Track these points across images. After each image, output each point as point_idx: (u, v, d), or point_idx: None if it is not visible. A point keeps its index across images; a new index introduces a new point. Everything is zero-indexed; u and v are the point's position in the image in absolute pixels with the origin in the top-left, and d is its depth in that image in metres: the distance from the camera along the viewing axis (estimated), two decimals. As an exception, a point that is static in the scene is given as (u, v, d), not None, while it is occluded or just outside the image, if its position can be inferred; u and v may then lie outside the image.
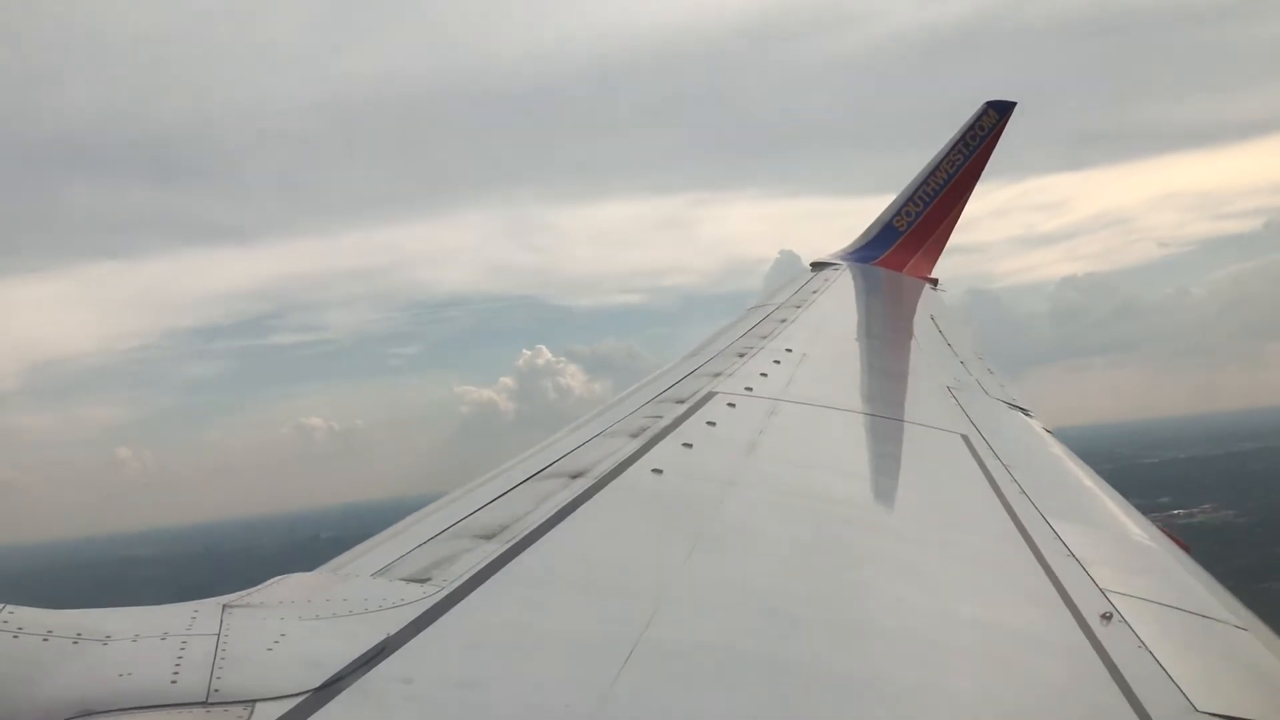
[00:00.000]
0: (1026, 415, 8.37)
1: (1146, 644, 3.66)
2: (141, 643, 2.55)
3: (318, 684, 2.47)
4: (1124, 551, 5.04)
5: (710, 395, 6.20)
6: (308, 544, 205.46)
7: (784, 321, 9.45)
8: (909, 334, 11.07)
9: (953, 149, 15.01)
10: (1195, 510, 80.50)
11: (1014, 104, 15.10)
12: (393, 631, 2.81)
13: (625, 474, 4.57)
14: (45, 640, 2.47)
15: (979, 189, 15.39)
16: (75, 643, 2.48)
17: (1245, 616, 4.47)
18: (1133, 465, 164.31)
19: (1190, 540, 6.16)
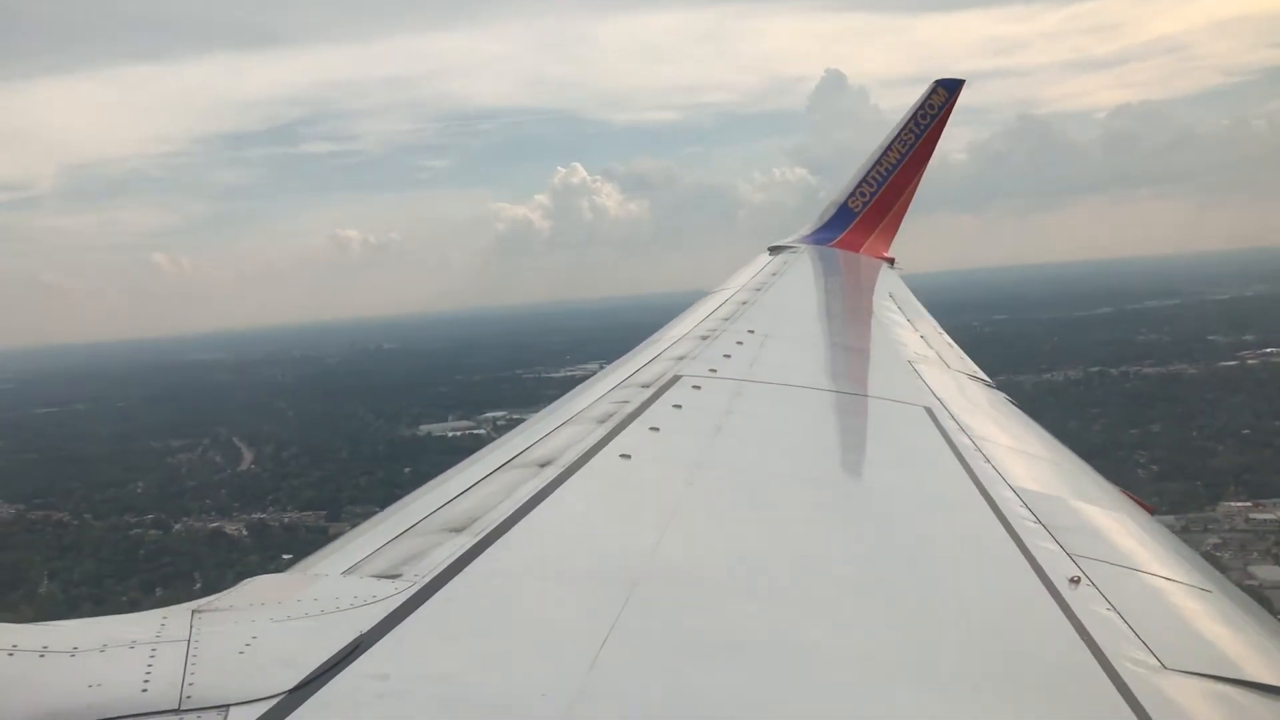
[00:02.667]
0: (989, 386, 8.53)
1: (1115, 605, 3.75)
2: (109, 653, 2.53)
3: (292, 685, 2.47)
4: (1089, 517, 5.09)
5: (676, 379, 6.24)
6: (373, 355, 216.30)
7: (745, 304, 9.58)
8: (869, 312, 11.24)
9: (903, 129, 15.15)
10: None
11: (963, 81, 15.34)
12: (365, 629, 2.81)
13: (594, 460, 4.58)
14: (10, 655, 2.46)
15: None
16: (41, 656, 2.47)
17: (1210, 576, 4.57)
18: (1203, 302, 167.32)
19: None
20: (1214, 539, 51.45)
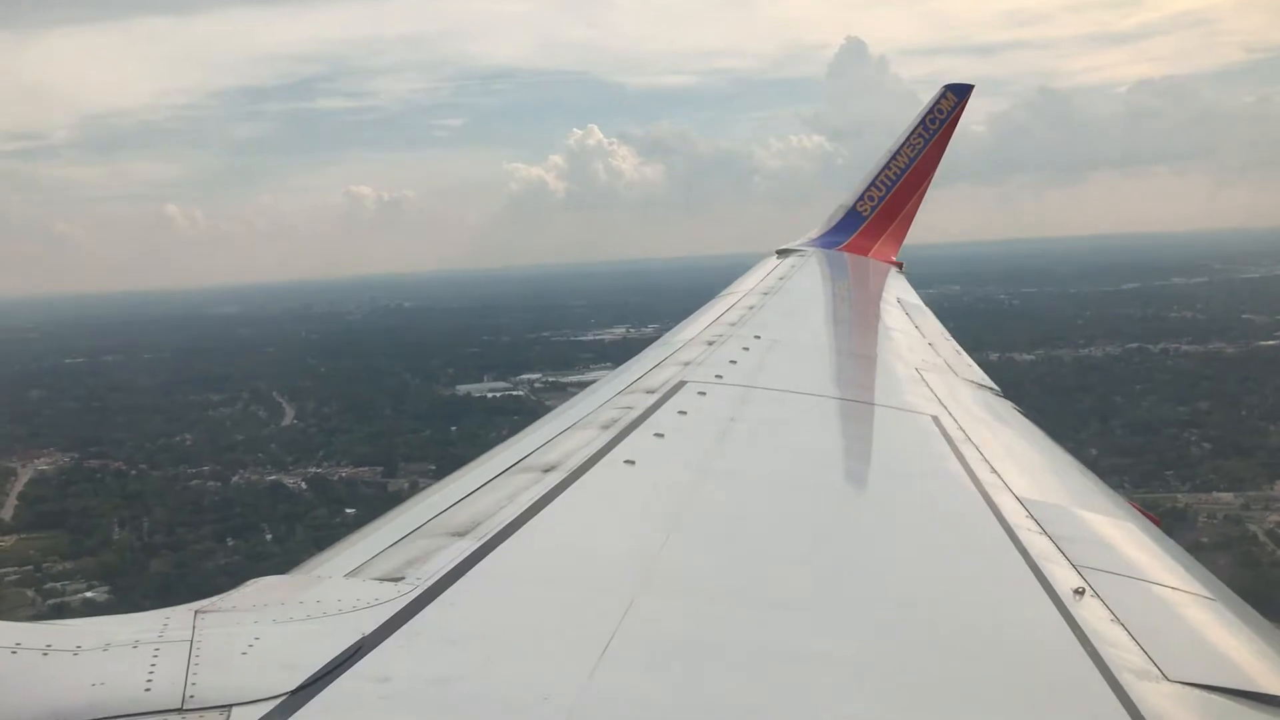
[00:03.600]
0: (996, 394, 8.47)
1: (1119, 617, 3.73)
2: (113, 652, 2.56)
3: (294, 686, 2.49)
4: (1095, 527, 5.06)
5: (681, 384, 6.21)
6: (395, 313, 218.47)
7: (752, 308, 9.53)
8: (876, 317, 11.18)
9: (913, 133, 15.24)
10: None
11: (971, 87, 15.45)
12: (368, 631, 2.84)
13: (597, 466, 4.57)
14: (14, 653, 2.48)
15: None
16: (45, 654, 2.50)
17: (1215, 587, 4.53)
18: (1232, 280, 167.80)
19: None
20: (1276, 517, 52.13)
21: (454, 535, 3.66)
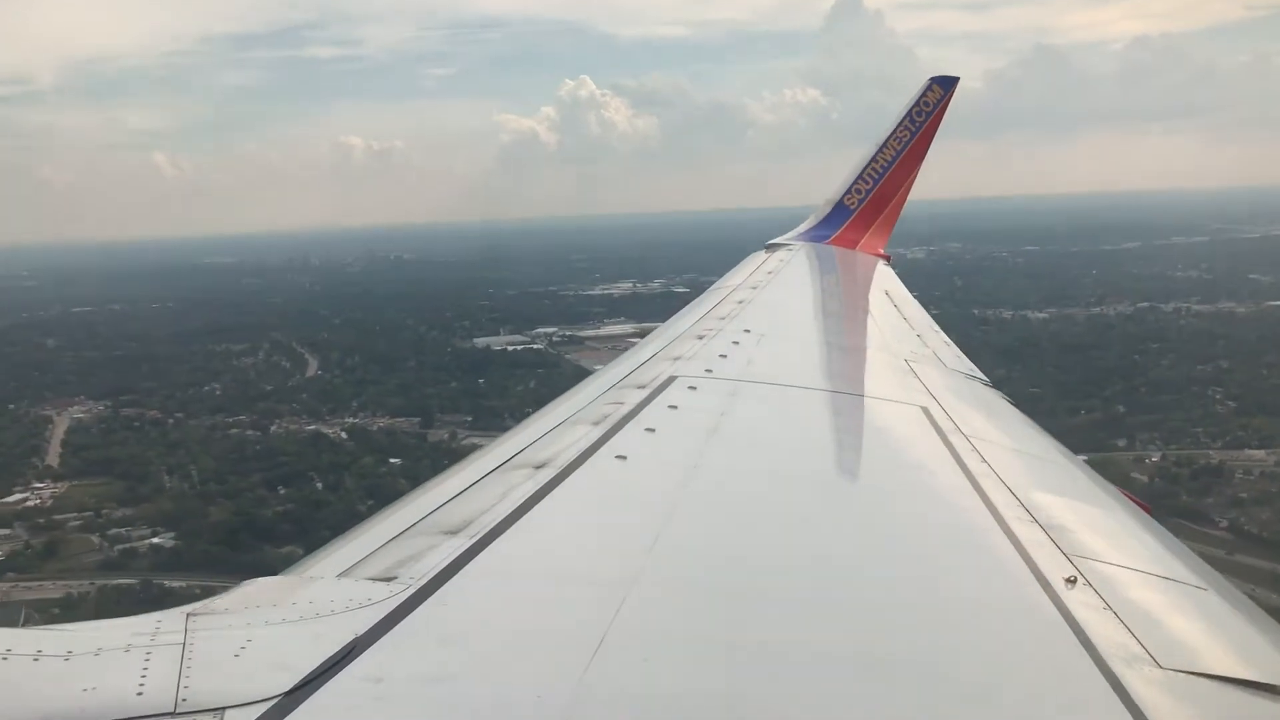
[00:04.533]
0: (985, 384, 8.57)
1: (1111, 605, 3.75)
2: (104, 656, 2.56)
3: (287, 688, 2.50)
4: (1087, 516, 5.07)
5: (671, 379, 6.25)
6: (394, 265, 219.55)
7: (741, 303, 9.57)
8: (865, 310, 11.26)
9: (899, 126, 15.44)
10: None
11: (957, 79, 15.84)
12: (361, 632, 2.85)
13: (589, 462, 4.60)
14: (4, 660, 2.47)
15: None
16: (36, 660, 2.49)
17: (1207, 575, 4.57)
18: (1233, 239, 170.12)
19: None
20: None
21: (446, 534, 3.67)
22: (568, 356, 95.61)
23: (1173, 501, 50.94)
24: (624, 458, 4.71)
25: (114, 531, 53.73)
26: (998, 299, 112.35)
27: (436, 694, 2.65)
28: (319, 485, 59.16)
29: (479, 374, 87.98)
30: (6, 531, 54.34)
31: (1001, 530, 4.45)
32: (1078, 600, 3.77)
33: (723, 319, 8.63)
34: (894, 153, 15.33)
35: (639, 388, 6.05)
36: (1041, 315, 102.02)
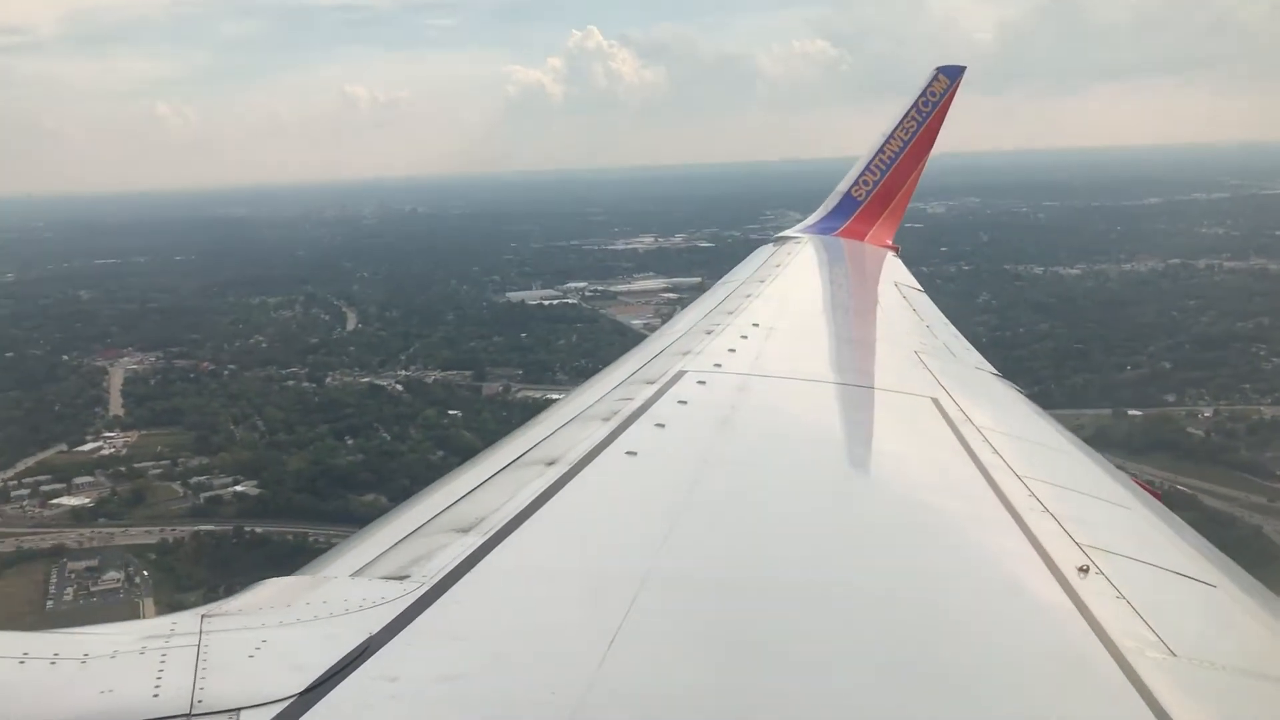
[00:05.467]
0: (995, 376, 8.58)
1: (1124, 594, 3.75)
2: (120, 659, 2.58)
3: (302, 688, 2.52)
4: (1099, 506, 5.12)
5: (680, 374, 6.24)
6: (409, 218, 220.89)
7: (749, 297, 9.49)
8: (874, 302, 11.25)
9: (906, 116, 15.46)
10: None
11: (963, 68, 15.80)
12: (374, 631, 2.86)
13: (599, 458, 4.59)
14: (21, 663, 2.49)
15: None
16: (53, 663, 2.51)
17: (1221, 563, 4.58)
18: (1256, 196, 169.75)
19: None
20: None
21: (458, 532, 3.67)
22: (603, 312, 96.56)
23: (1232, 456, 52.41)
24: (634, 454, 4.71)
25: (195, 480, 55.07)
26: (1027, 255, 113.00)
27: (450, 692, 2.66)
28: (385, 436, 60.42)
29: (520, 328, 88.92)
30: (89, 479, 55.81)
31: (1014, 520, 4.46)
32: (1091, 590, 3.77)
33: (731, 313, 8.58)
34: (901, 143, 15.35)
35: (648, 383, 6.05)
36: (1073, 271, 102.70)
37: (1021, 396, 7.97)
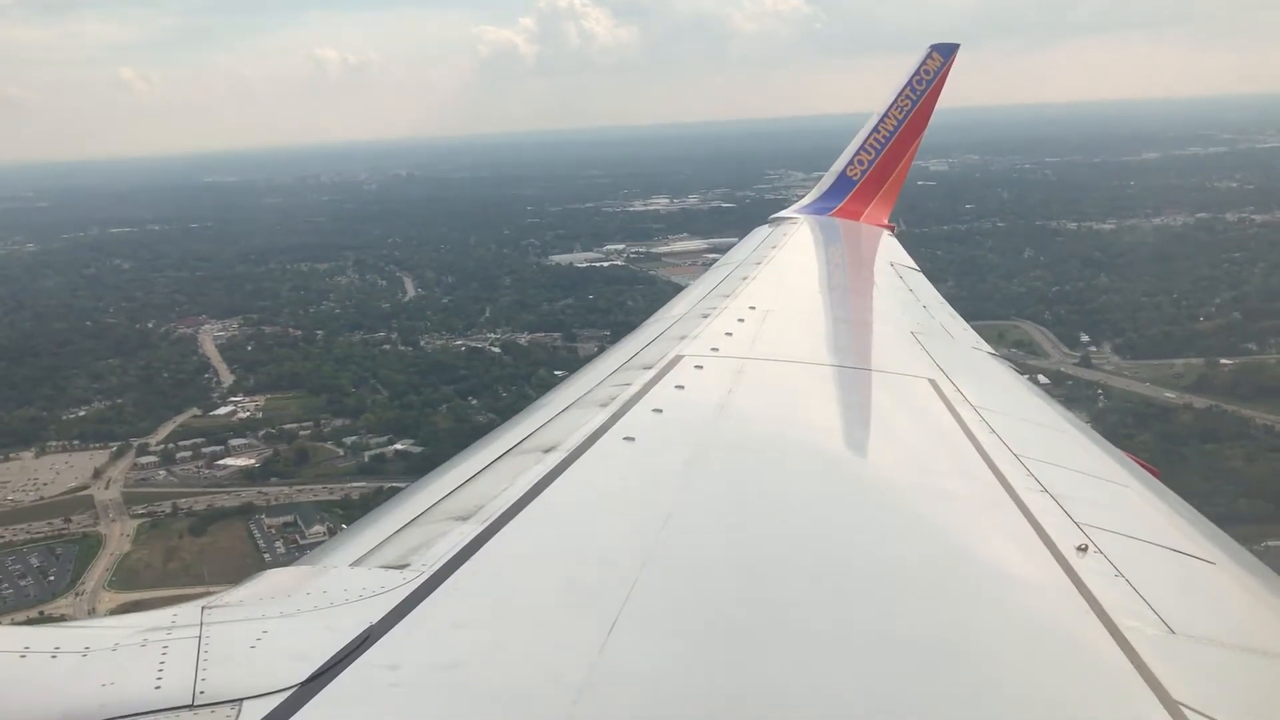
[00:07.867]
0: (992, 355, 8.60)
1: (1123, 573, 3.78)
2: (121, 651, 2.59)
3: (304, 678, 2.53)
4: (1097, 484, 5.16)
5: (677, 359, 6.23)
6: (406, 182, 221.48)
7: (745, 279, 9.43)
8: (870, 282, 11.16)
9: (900, 95, 15.56)
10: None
11: (957, 45, 16.09)
12: (375, 620, 2.87)
13: (598, 444, 4.58)
14: (23, 657, 2.51)
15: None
16: (54, 656, 2.52)
17: (1218, 541, 4.62)
18: (1255, 149, 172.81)
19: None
20: None
21: (457, 520, 3.68)
22: (653, 273, 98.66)
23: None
24: (632, 439, 4.68)
25: (348, 440, 56.82)
26: (1053, 211, 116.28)
27: (451, 680, 2.68)
28: (504, 395, 62.28)
29: (584, 291, 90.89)
30: (243, 441, 57.51)
31: (1012, 500, 4.49)
32: (1090, 568, 3.78)
33: (727, 296, 8.54)
34: (895, 122, 15.30)
35: (645, 368, 6.00)
36: (1106, 226, 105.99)
37: (1019, 376, 8.03)
